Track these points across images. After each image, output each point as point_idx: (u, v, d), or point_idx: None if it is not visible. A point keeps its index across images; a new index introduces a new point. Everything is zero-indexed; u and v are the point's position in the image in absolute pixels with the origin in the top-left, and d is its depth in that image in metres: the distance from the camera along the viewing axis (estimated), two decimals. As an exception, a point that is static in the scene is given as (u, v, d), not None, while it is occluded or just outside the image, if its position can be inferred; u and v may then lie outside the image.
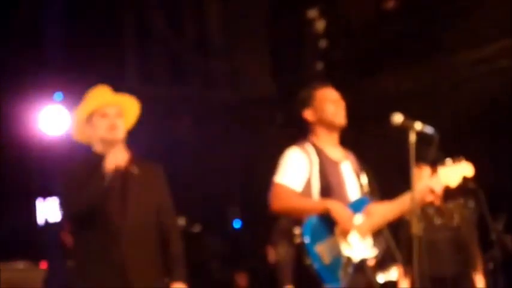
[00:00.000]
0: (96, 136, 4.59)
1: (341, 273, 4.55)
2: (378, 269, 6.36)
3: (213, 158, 9.05)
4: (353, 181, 4.92)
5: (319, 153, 4.81)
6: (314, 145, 4.84)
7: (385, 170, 5.99)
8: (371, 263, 5.68)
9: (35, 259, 7.46)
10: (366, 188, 5.03)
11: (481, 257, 6.40)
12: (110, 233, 4.40)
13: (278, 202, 4.67)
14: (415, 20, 8.80)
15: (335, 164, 4.87)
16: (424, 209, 6.31)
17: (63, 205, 4.55)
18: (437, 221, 6.33)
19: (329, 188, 4.75)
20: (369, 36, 8.98)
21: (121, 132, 4.61)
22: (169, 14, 8.89)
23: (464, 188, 6.40)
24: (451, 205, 6.40)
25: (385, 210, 4.81)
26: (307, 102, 4.92)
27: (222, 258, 9.15)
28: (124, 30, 8.82)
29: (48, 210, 8.12)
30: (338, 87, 5.13)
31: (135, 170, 4.56)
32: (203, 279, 8.93)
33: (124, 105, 4.67)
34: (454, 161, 4.85)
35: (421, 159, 4.92)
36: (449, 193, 6.40)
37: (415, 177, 4.84)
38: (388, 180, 5.16)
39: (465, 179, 6.29)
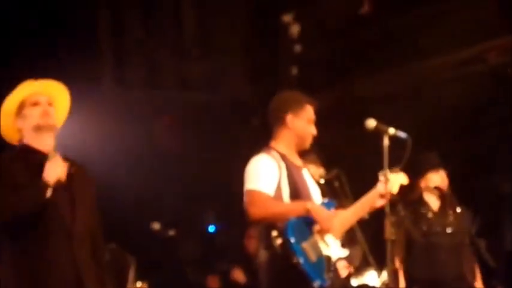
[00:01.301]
0: (28, 126, 4.45)
1: (327, 275, 4.68)
2: (353, 274, 6.54)
3: (188, 161, 9.08)
4: (314, 186, 5.07)
5: (284, 159, 4.92)
6: (278, 151, 4.93)
7: (360, 172, 6.06)
8: (347, 268, 5.85)
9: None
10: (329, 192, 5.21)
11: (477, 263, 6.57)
12: (62, 237, 4.27)
13: (257, 209, 4.71)
14: (390, 24, 8.86)
15: (299, 169, 5.02)
16: (424, 214, 6.51)
17: None
18: (436, 226, 6.51)
19: (298, 192, 4.86)
20: (344, 41, 9.04)
21: (54, 118, 4.50)
22: (146, 18, 8.90)
23: (440, 193, 6.59)
24: (449, 211, 6.57)
25: (348, 215, 5.05)
26: (294, 107, 4.99)
27: (196, 262, 9.18)
28: (99, 34, 8.81)
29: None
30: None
31: (72, 169, 4.44)
32: (177, 282, 8.95)
33: (54, 94, 4.57)
34: (391, 171, 5.02)
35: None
36: (446, 201, 6.58)
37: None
38: (363, 181, 5.26)
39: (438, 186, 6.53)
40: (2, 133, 4.57)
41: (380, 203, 5.02)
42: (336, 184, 6.05)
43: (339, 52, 9.10)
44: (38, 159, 4.37)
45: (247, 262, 7.71)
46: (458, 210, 6.57)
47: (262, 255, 4.77)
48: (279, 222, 4.67)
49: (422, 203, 6.56)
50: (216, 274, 8.72)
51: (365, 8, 8.98)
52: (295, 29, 9.17)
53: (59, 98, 4.60)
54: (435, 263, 6.38)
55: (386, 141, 4.91)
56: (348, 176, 6.02)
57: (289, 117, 4.97)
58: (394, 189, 5.08)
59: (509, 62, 8.40)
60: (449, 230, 6.47)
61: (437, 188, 6.55)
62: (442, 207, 6.57)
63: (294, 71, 9.32)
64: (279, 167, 4.83)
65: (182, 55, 9.32)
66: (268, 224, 4.72)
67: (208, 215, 10.12)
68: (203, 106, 9.40)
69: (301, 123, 4.99)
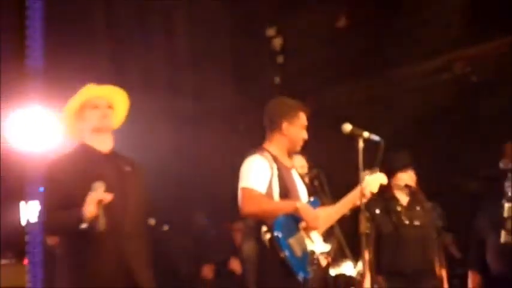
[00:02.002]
0: (88, 127, 4.54)
1: (310, 268, 4.82)
2: (331, 264, 6.71)
3: (180, 164, 9.19)
4: (301, 185, 5.20)
5: (276, 160, 5.03)
6: (270, 152, 5.04)
7: (340, 173, 6.21)
8: (326, 258, 6.06)
9: (20, 256, 7.61)
10: (316, 191, 5.38)
11: (443, 255, 6.68)
12: (112, 233, 4.28)
13: (249, 206, 4.81)
14: (364, 36, 8.98)
15: (288, 170, 5.13)
16: (394, 209, 6.67)
17: (42, 217, 4.41)
18: (405, 219, 6.59)
19: (287, 191, 4.98)
20: (322, 52, 9.16)
21: (112, 121, 4.58)
22: (141, 33, 8.98)
23: (408, 189, 6.77)
24: (418, 206, 6.74)
25: (331, 212, 5.18)
26: (289, 115, 5.10)
27: (188, 255, 9.33)
28: (98, 47, 8.89)
29: (29, 212, 8.03)
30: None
31: (127, 167, 4.52)
32: (170, 274, 9.11)
33: (113, 98, 4.62)
34: (371, 172, 5.15)
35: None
36: (415, 197, 6.75)
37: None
38: (342, 182, 5.43)
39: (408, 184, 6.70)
40: (63, 129, 4.68)
41: (361, 201, 5.10)
42: (316, 183, 6.19)
43: (318, 62, 9.21)
44: (96, 157, 4.49)
45: (236, 253, 7.89)
46: (427, 205, 6.70)
47: (250, 248, 4.89)
48: (269, 218, 4.77)
49: (392, 199, 6.66)
50: (211, 264, 8.88)
51: (341, 22, 9.12)
52: (277, 42, 9.29)
53: (118, 101, 4.67)
54: (402, 254, 6.45)
55: (361, 144, 5.02)
56: (328, 176, 6.19)
57: (285, 125, 5.09)
58: (375, 188, 5.18)
59: (473, 71, 8.60)
60: (416, 223, 6.55)
61: (407, 186, 6.70)
62: (411, 202, 6.69)
63: (277, 80, 9.47)
64: (271, 168, 4.95)
65: (174, 66, 9.40)
66: (258, 220, 4.83)
67: (199, 214, 10.26)
68: (193, 113, 9.50)
69: (295, 130, 5.11)
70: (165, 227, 8.96)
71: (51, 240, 7.20)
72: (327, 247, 5.10)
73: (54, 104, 7.62)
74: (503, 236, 6.03)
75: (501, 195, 6.15)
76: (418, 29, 8.75)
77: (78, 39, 8.58)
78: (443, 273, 6.61)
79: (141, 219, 4.57)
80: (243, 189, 4.90)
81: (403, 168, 6.63)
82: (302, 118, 5.16)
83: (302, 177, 5.38)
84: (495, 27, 8.06)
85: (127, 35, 8.89)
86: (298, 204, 4.91)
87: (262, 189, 4.89)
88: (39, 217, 4.43)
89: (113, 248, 4.32)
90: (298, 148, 5.23)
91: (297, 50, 9.33)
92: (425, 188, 6.86)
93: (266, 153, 5.04)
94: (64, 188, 4.35)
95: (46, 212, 4.35)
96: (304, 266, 4.82)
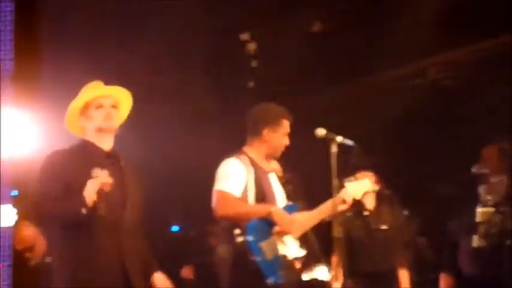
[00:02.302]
0: (91, 127, 4.49)
1: (281, 272, 4.78)
2: (303, 268, 6.66)
3: (157, 166, 9.14)
4: (279, 189, 5.16)
5: (253, 163, 5.01)
6: (248, 156, 5.03)
7: (314, 178, 6.15)
8: (299, 263, 5.99)
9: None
10: (291, 195, 5.32)
11: (408, 256, 6.72)
12: (109, 228, 4.25)
13: (223, 209, 4.81)
14: (339, 41, 8.94)
15: (266, 174, 5.10)
16: (361, 213, 6.64)
17: (36, 209, 4.36)
18: (372, 223, 6.63)
19: (263, 195, 4.98)
20: (297, 57, 9.12)
21: (116, 121, 4.53)
22: (121, 36, 8.93)
23: (381, 194, 6.75)
24: (384, 211, 6.71)
25: (308, 217, 5.11)
26: (271, 122, 5.07)
27: (164, 257, 9.30)
28: (74, 45, 8.80)
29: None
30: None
31: (127, 167, 4.50)
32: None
33: (118, 97, 4.58)
34: (356, 178, 5.15)
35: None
36: (382, 200, 6.73)
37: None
38: (318, 187, 5.36)
39: (382, 187, 6.68)
40: (67, 125, 4.60)
41: (342, 207, 5.09)
42: (290, 187, 6.14)
43: (293, 67, 9.22)
44: (97, 153, 4.44)
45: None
46: (395, 209, 6.72)
47: (224, 250, 4.90)
48: (243, 222, 4.77)
49: (358, 203, 6.68)
50: (191, 265, 8.85)
51: (316, 27, 9.12)
52: (252, 47, 9.29)
53: (122, 101, 4.63)
54: (370, 257, 6.51)
55: (334, 149, 4.97)
56: (303, 181, 6.14)
57: (266, 132, 5.05)
58: (358, 195, 5.15)
59: (446, 76, 8.65)
60: (383, 227, 6.60)
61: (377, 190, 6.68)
62: (377, 206, 6.70)
63: (251, 84, 9.45)
64: (247, 171, 4.94)
65: (151, 70, 9.36)
66: (232, 223, 4.82)
67: (174, 217, 10.23)
68: (169, 115, 9.47)
69: (277, 136, 5.09)
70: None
71: (20, 245, 7.12)
72: (301, 252, 5.05)
73: (26, 106, 7.58)
74: (475, 241, 6.00)
75: (476, 198, 6.13)
76: (393, 35, 8.76)
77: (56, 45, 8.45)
78: (408, 275, 6.61)
79: (139, 217, 4.50)
80: (217, 191, 4.89)
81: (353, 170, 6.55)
82: (285, 126, 5.13)
83: (281, 181, 5.31)
84: (468, 33, 8.12)
85: (103, 36, 8.80)
86: (272, 209, 4.89)
87: (236, 192, 4.88)
88: (37, 209, 4.37)
89: (111, 244, 4.28)
90: (278, 154, 5.19)
91: (271, 55, 9.28)
92: (400, 191, 6.86)
93: (243, 157, 5.03)
94: (64, 179, 4.31)
95: (45, 202, 4.29)
96: (275, 270, 4.78)
